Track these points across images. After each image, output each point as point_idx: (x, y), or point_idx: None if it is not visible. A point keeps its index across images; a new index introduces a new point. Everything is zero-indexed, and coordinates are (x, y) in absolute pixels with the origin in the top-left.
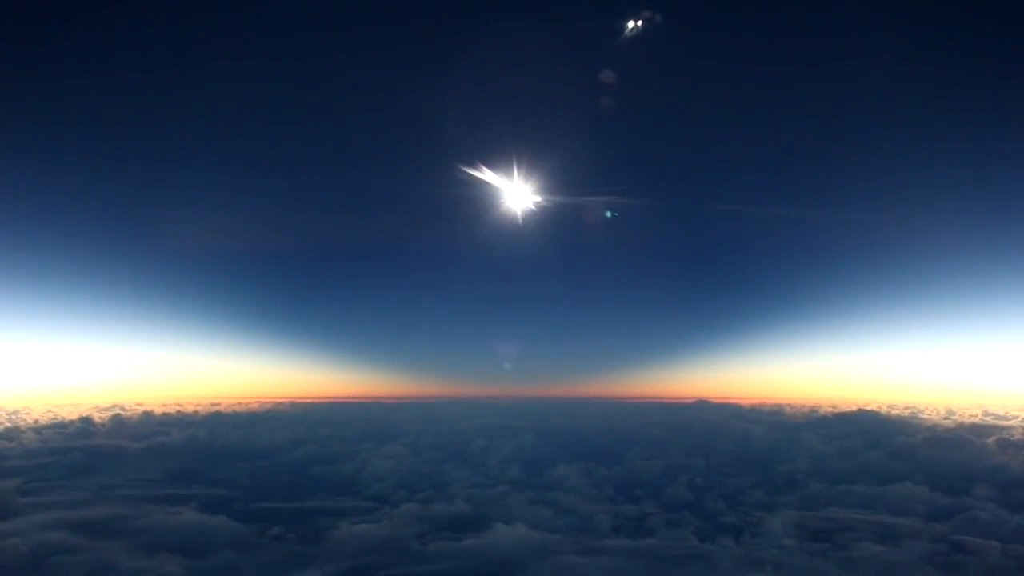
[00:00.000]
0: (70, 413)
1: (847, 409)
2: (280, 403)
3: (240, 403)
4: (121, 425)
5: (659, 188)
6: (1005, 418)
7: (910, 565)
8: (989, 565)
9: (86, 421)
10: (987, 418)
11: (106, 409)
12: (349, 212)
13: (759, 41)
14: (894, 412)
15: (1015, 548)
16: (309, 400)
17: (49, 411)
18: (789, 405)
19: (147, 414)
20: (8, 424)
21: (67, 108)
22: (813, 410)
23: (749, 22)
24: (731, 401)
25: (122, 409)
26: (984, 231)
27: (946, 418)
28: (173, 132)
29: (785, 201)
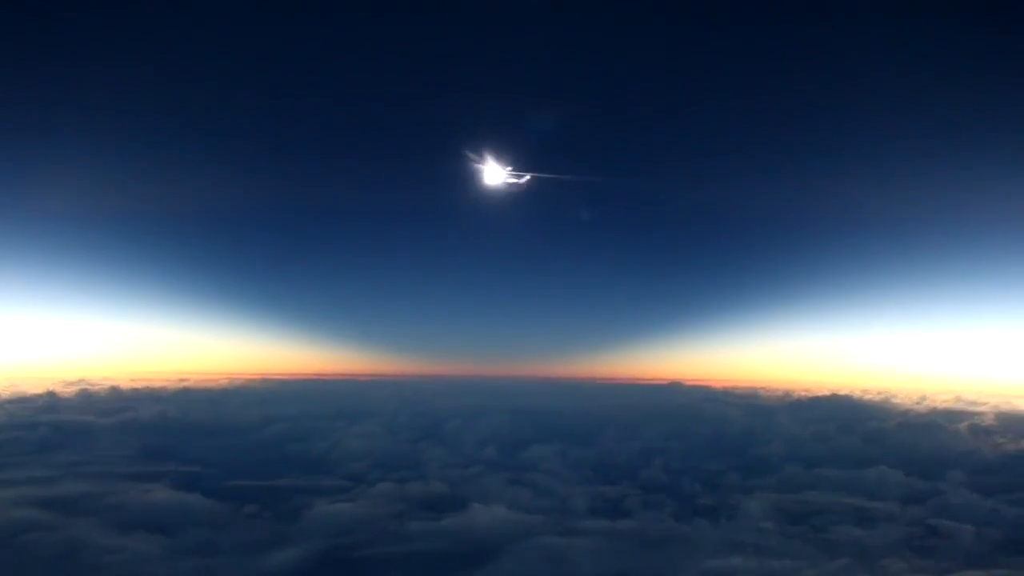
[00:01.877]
0: (34, 387)
1: (821, 393)
2: (250, 379)
3: (209, 379)
4: (88, 400)
5: (633, 171)
6: (976, 404)
7: (887, 548)
8: (963, 548)
9: (52, 396)
10: (959, 404)
11: (71, 384)
12: (322, 186)
13: (751, 30)
14: (867, 397)
15: (988, 531)
16: (280, 377)
17: (11, 385)
18: (763, 388)
19: (114, 389)
20: None
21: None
22: (787, 394)
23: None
24: (705, 384)
25: (88, 384)
26: (954, 219)
27: (918, 403)
28: (142, 102)
29: (759, 185)
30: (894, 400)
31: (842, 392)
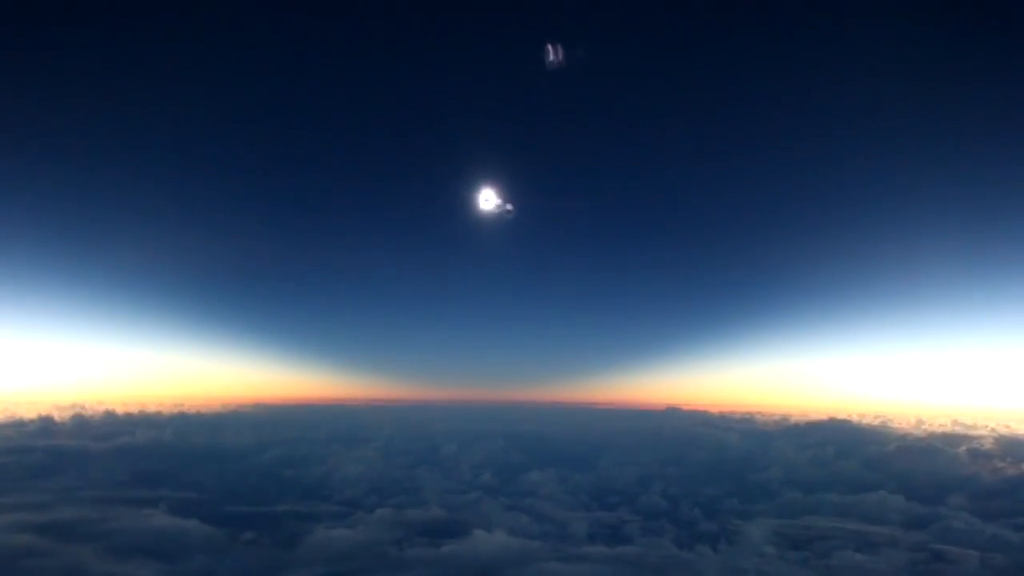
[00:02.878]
0: (28, 412)
1: (818, 418)
2: (245, 405)
3: (204, 404)
4: (83, 425)
5: (628, 197)
6: (974, 428)
7: (891, 574)
8: (969, 574)
9: (46, 420)
10: (956, 428)
11: (65, 408)
12: (321, 214)
13: (752, 36)
14: (865, 421)
15: (993, 557)
16: (274, 402)
17: (5, 410)
18: (760, 413)
19: (109, 414)
20: None
21: (51, 98)
22: (784, 418)
23: (747, 17)
24: (702, 408)
25: (83, 408)
26: (951, 243)
27: (916, 427)
28: (151, 127)
29: (754, 210)
30: (891, 424)
31: (839, 416)
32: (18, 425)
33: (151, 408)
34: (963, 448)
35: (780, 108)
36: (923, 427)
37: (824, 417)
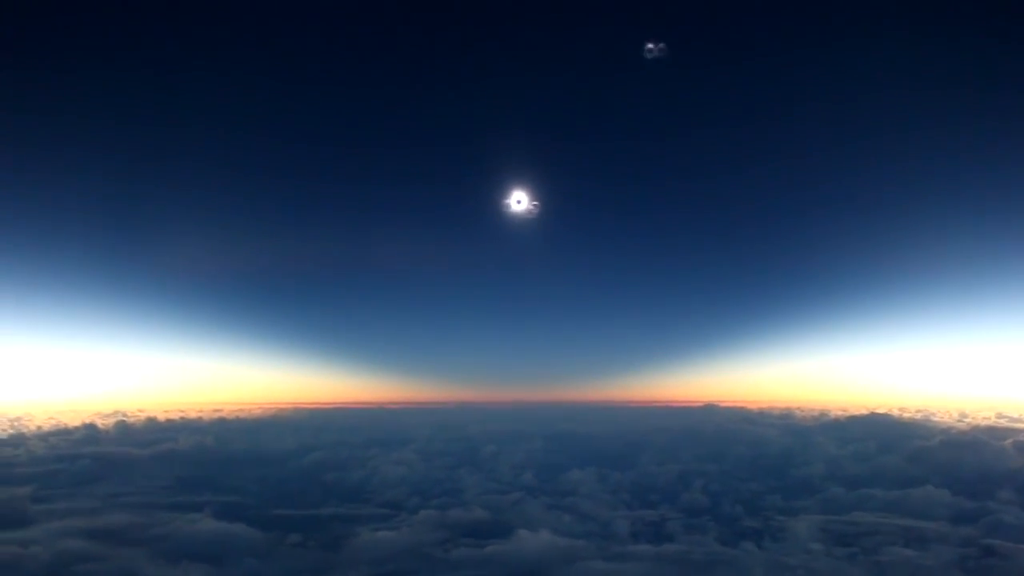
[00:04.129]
0: (72, 419)
1: (858, 412)
2: (284, 409)
3: (243, 409)
4: (126, 431)
5: (662, 190)
6: (1020, 420)
7: (942, 569)
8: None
9: (91, 428)
10: (1001, 420)
11: (108, 415)
12: (352, 217)
13: (754, 37)
14: (906, 415)
15: None
16: (313, 406)
17: (51, 418)
18: (799, 408)
19: (151, 420)
20: (11, 431)
21: (74, 110)
22: (823, 413)
23: (745, 17)
24: (740, 405)
25: (125, 415)
26: (992, 232)
27: (959, 421)
28: (176, 140)
29: (788, 204)
30: (934, 418)
31: (880, 411)
32: (64, 433)
33: (191, 414)
34: (1009, 441)
35: (800, 117)
36: (966, 420)
37: (864, 411)
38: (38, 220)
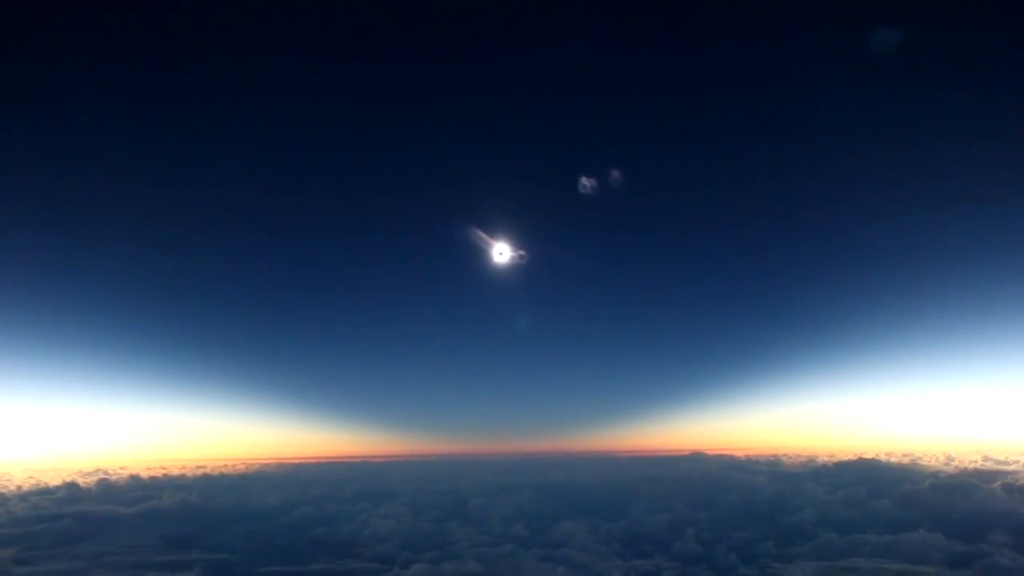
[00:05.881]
0: (52, 478)
1: (846, 458)
2: (268, 464)
3: (227, 464)
4: (108, 489)
5: (649, 242)
6: (1006, 463)
7: None
8: None
9: (72, 486)
10: (987, 463)
11: (89, 474)
12: (334, 270)
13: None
14: (894, 460)
15: None
16: (298, 460)
17: (31, 476)
18: (785, 455)
19: (134, 478)
20: None
21: (64, 150)
22: (811, 459)
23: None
24: (727, 452)
25: (106, 473)
26: (974, 279)
27: (947, 464)
28: (163, 196)
29: (774, 250)
30: (921, 462)
31: (867, 456)
32: (44, 492)
33: (174, 471)
34: (998, 483)
35: (783, 175)
36: (953, 464)
37: (852, 457)
38: (12, 275)
